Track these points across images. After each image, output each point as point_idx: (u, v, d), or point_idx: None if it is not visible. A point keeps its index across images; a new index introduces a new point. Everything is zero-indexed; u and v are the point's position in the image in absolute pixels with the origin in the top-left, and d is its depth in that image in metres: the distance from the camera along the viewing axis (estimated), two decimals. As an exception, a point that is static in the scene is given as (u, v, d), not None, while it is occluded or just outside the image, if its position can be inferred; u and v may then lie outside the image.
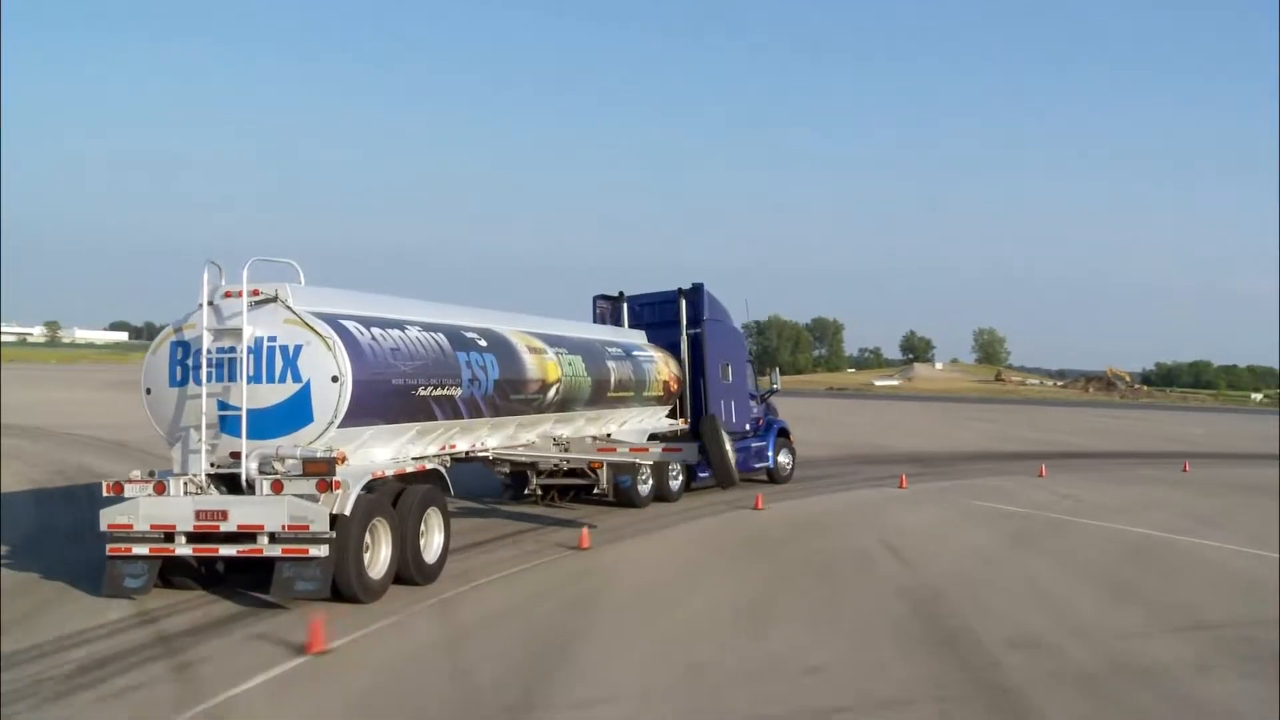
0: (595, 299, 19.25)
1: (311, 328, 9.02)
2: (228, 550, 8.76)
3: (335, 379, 8.96)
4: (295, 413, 9.00)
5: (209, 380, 9.00)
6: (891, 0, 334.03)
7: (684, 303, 18.28)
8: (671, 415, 17.72)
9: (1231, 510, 18.39)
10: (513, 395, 12.09)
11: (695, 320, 18.32)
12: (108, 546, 8.83)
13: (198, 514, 8.74)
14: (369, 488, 9.32)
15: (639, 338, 17.67)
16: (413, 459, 10.42)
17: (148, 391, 9.42)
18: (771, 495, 17.57)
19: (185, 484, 8.94)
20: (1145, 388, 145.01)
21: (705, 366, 18.04)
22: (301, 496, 8.72)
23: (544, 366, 12.88)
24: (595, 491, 15.59)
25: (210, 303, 9.12)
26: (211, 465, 9.05)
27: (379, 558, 9.39)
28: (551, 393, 13.05)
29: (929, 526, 15.08)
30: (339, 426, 9.05)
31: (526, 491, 15.81)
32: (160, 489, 8.88)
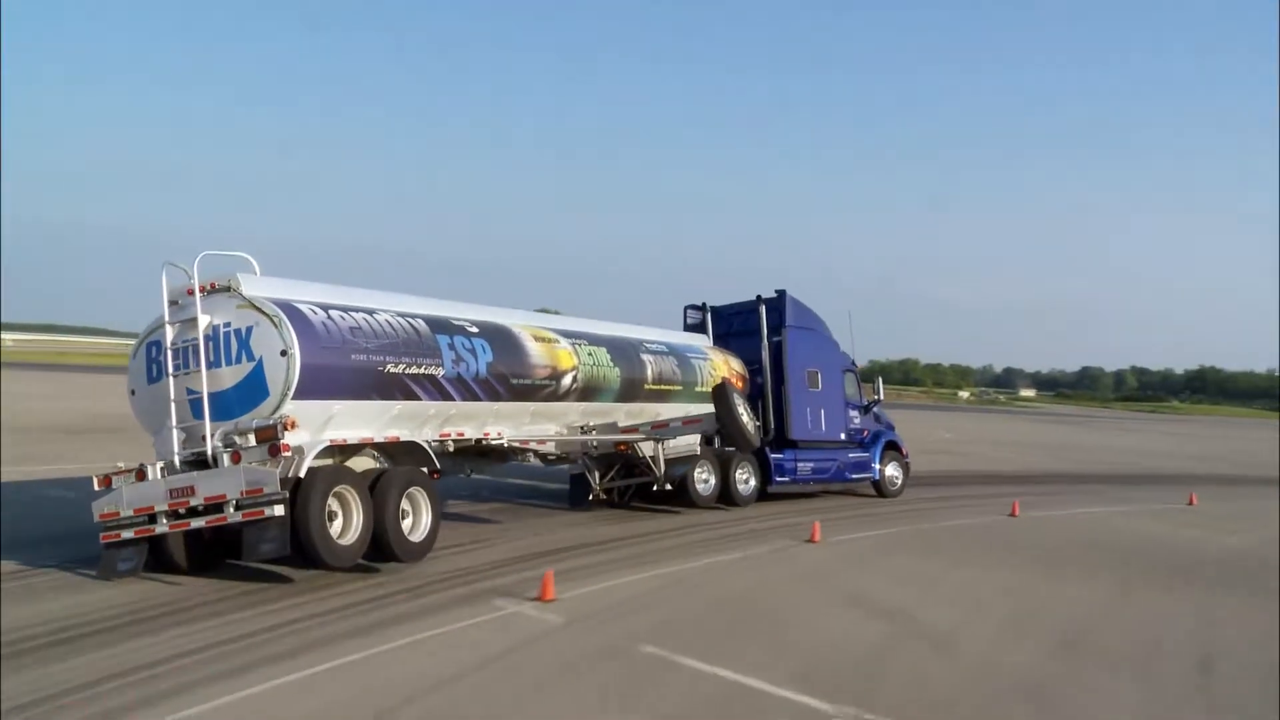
0: (686, 309, 19.58)
1: (259, 309, 9.57)
2: (198, 522, 9.26)
3: (284, 353, 9.42)
4: (253, 390, 9.51)
5: (177, 371, 9.68)
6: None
7: (763, 310, 18.25)
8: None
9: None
10: (514, 380, 12.24)
11: (777, 328, 18.17)
12: (101, 535, 9.54)
13: (170, 492, 9.33)
14: (331, 454, 9.71)
15: (696, 339, 17.62)
16: (397, 436, 10.73)
17: (132, 393, 10.21)
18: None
19: (161, 468, 9.57)
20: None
21: (786, 373, 17.80)
22: (258, 464, 9.19)
23: (554, 354, 13.00)
24: (655, 489, 15.49)
25: (175, 301, 9.87)
26: (186, 449, 9.65)
27: (350, 525, 9.68)
28: (568, 380, 13.11)
29: None
30: (294, 399, 9.47)
31: (590, 497, 15.83)
32: (140, 475, 9.55)
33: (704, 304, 19.22)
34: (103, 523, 9.55)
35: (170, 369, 9.67)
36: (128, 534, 9.43)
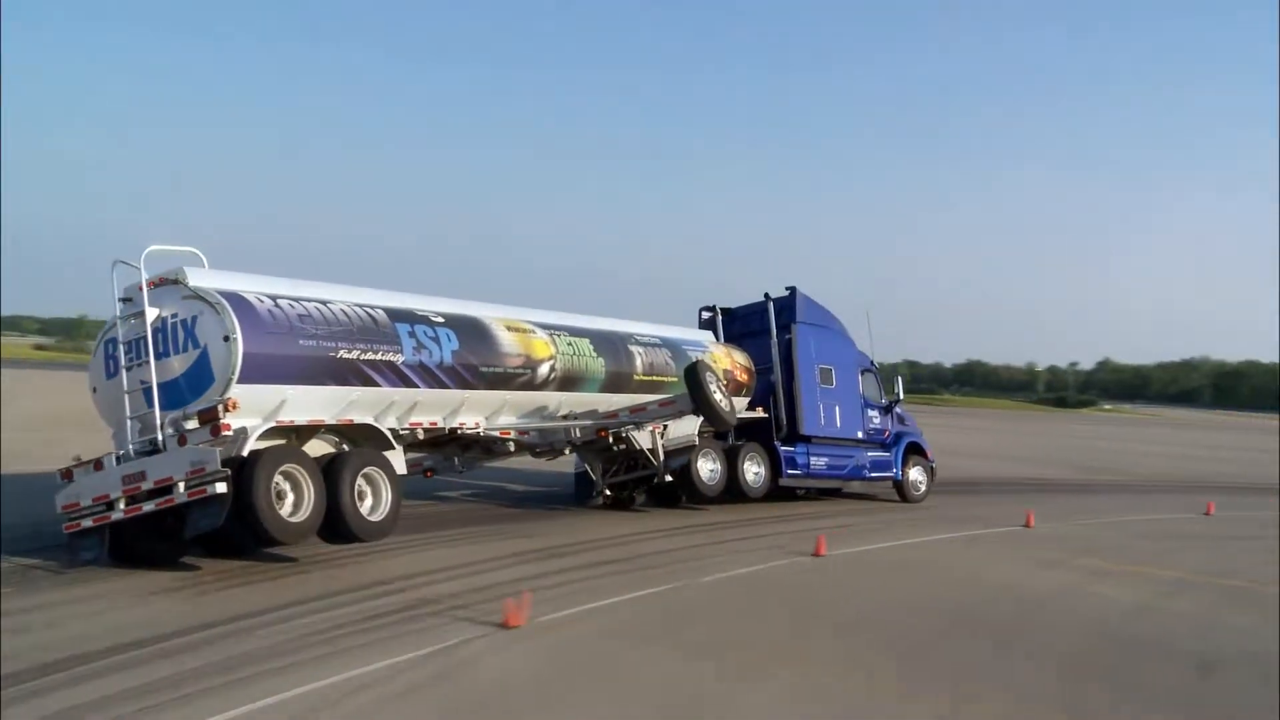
0: (700, 310, 19.62)
1: (203, 298, 9.83)
2: (149, 505, 9.49)
3: (227, 339, 9.64)
4: (200, 377, 9.75)
5: (130, 364, 9.99)
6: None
7: (772, 308, 18.17)
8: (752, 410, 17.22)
9: None
10: (485, 368, 12.27)
11: (788, 325, 18.08)
12: (64, 525, 9.85)
13: (124, 479, 9.61)
14: (285, 437, 9.92)
15: (699, 334, 17.62)
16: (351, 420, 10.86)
17: (94, 390, 10.54)
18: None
19: (118, 457, 9.86)
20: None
21: (795, 368, 17.65)
22: (205, 446, 9.41)
23: (529, 344, 13.02)
24: (655, 481, 15.35)
25: (129, 299, 10.21)
26: (142, 438, 9.92)
27: (302, 504, 9.81)
28: (544, 369, 13.12)
29: None
30: (240, 383, 9.65)
31: (595, 493, 15.80)
32: (98, 466, 9.86)
33: (714, 305, 19.23)
34: (65, 513, 9.87)
35: (123, 363, 9.99)
36: (87, 522, 9.72)
